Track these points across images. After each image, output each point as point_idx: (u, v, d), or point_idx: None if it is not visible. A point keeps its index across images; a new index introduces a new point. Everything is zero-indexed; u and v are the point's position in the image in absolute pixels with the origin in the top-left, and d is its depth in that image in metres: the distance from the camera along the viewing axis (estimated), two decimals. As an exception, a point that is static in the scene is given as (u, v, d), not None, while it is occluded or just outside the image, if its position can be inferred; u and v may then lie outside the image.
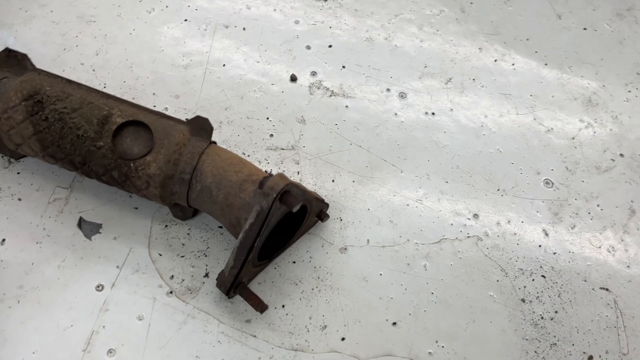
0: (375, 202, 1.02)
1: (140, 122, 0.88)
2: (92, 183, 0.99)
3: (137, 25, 1.16)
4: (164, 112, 0.90)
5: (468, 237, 0.99)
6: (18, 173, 1.00)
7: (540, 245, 0.99)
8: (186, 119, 0.91)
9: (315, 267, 0.95)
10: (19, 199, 0.98)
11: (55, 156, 0.89)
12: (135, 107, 0.91)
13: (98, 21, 1.16)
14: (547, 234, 1.00)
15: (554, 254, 0.98)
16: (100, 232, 0.96)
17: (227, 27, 1.19)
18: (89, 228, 0.96)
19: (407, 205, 1.02)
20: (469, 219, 1.01)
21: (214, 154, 0.89)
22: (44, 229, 0.95)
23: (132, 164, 0.86)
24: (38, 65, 0.98)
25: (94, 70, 1.10)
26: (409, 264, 0.96)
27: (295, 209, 0.78)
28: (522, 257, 0.98)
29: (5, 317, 0.88)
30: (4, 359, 0.85)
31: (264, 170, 0.90)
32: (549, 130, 1.11)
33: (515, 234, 1.00)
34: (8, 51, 0.93)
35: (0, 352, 0.86)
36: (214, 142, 0.92)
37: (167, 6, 1.19)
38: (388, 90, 1.15)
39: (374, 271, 0.95)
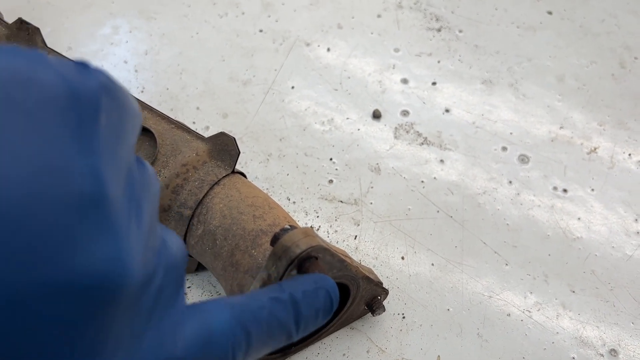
0: (460, 301, 0.69)
1: (146, 130, 0.65)
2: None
3: (202, 28, 0.96)
4: (196, 129, 0.65)
5: (601, 386, 0.62)
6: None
7: None
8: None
9: (350, 382, 0.63)
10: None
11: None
12: (147, 110, 0.67)
13: (160, 19, 0.97)
14: None
15: None
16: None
17: (308, 44, 0.95)
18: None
19: (509, 315, 0.68)
20: (602, 355, 0.65)
21: (232, 188, 0.62)
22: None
23: (120, 183, 0.62)
24: (74, 57, 0.79)
25: (136, 70, 0.90)
26: (497, 410, 0.61)
27: (319, 289, 0.48)
28: None
29: None
30: None
31: (303, 225, 0.61)
32: None
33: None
34: (20, 22, 0.75)
35: None
36: (241, 174, 0.66)
37: (243, 13, 0.99)
38: (504, 149, 0.83)
39: (439, 409, 0.61)
